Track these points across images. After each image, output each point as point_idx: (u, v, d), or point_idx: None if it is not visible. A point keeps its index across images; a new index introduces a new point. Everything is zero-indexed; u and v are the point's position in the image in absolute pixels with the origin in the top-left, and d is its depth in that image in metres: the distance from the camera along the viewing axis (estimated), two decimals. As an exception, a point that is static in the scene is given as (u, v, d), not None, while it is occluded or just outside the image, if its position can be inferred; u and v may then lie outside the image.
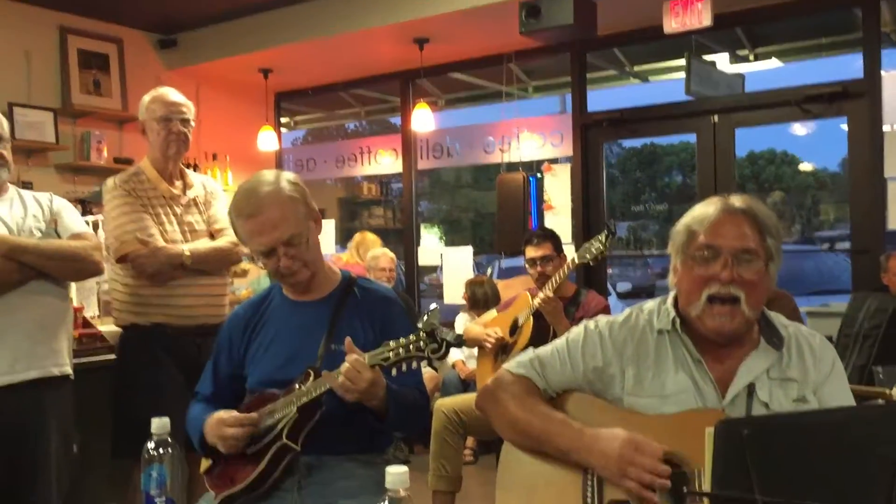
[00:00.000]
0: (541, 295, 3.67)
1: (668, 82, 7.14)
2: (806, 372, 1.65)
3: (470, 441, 4.98)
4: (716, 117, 5.53)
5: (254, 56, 6.42)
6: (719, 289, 1.60)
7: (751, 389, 1.63)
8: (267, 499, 1.92)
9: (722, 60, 6.12)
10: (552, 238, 3.93)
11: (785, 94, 5.29)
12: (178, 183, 3.08)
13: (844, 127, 5.14)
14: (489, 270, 7.72)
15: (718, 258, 1.61)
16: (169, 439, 1.50)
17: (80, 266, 2.54)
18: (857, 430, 1.16)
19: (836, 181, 14.33)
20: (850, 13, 5.42)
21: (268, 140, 6.98)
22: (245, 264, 5.52)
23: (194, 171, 4.21)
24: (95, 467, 2.95)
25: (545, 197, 6.11)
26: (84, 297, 3.37)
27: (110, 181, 3.01)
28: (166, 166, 3.04)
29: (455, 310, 5.88)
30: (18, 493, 2.43)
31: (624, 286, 11.85)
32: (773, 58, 6.56)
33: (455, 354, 5.48)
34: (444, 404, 3.78)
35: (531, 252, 3.89)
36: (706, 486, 1.12)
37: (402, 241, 7.19)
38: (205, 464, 2.07)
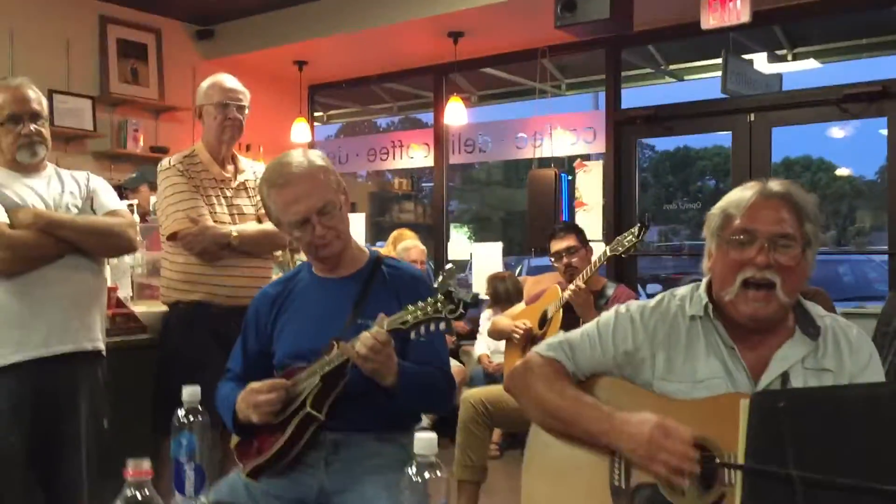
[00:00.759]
0: (571, 286, 3.65)
1: (703, 81, 7.07)
2: (842, 363, 1.61)
3: (496, 436, 4.96)
4: (752, 116, 5.44)
5: (289, 48, 6.49)
6: (754, 273, 1.58)
7: (784, 378, 1.60)
8: (294, 474, 1.93)
9: (759, 60, 6.03)
10: (575, 230, 3.93)
11: (824, 93, 5.22)
12: (230, 167, 3.14)
13: (884, 132, 5.05)
14: (519, 269, 7.69)
15: (754, 243, 1.59)
16: (199, 407, 1.51)
17: (115, 242, 2.57)
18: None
19: (873, 189, 14.10)
20: (891, 12, 5.33)
21: (301, 132, 7.04)
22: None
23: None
24: (124, 446, 2.97)
25: (577, 194, 6.08)
26: (118, 277, 3.41)
27: (165, 161, 3.08)
28: (219, 150, 3.10)
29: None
30: (49, 466, 2.47)
31: (653, 288, 11.78)
32: (812, 58, 6.47)
33: (480, 348, 5.47)
34: (471, 395, 3.77)
35: (556, 245, 3.88)
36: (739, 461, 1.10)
37: (432, 236, 7.19)
38: (235, 440, 2.08)
